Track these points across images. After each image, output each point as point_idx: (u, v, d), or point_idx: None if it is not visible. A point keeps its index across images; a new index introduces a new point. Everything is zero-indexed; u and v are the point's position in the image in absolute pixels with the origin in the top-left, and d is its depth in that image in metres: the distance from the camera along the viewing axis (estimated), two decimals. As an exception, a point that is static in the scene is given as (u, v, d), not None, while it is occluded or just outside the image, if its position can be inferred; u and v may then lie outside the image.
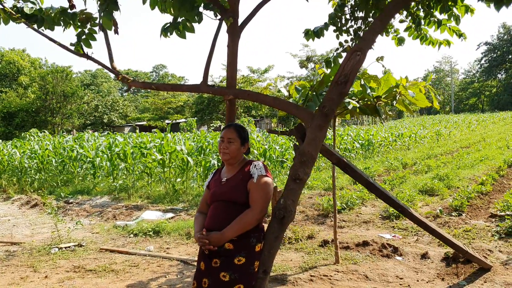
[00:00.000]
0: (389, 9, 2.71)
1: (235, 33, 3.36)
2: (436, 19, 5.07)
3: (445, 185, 9.90)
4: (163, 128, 49.33)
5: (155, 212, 8.70)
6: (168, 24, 3.52)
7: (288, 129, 3.14)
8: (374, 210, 8.14)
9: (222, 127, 3.30)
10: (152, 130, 17.97)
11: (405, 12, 4.95)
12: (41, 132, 26.16)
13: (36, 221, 8.87)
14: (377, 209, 8.23)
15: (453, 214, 7.45)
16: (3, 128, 37.25)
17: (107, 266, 5.74)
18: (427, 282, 4.81)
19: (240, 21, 3.53)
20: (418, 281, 4.86)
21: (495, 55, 77.76)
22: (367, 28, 4.76)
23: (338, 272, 5.18)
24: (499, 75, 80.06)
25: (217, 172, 3.31)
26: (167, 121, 53.46)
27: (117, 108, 55.94)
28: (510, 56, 76.60)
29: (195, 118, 41.84)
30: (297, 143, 3.12)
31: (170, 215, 8.49)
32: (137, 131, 25.54)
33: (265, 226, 3.20)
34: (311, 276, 5.09)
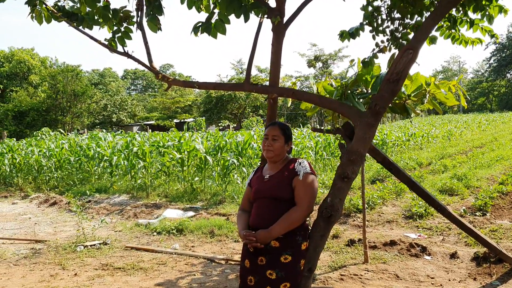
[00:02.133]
0: (441, 8, 2.71)
1: (280, 31, 3.36)
2: (468, 19, 5.05)
3: (464, 185, 9.84)
4: (171, 127, 49.45)
5: (176, 210, 8.71)
6: (200, 24, 3.52)
7: (335, 127, 3.14)
8: (395, 210, 8.12)
9: (265, 126, 3.29)
10: (171, 129, 18.02)
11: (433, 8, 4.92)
12: (52, 131, 26.32)
13: (57, 219, 8.92)
14: (398, 208, 8.21)
15: (477, 214, 7.41)
16: (14, 127, 37.44)
17: (135, 264, 5.77)
18: (459, 282, 4.79)
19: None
20: (449, 280, 4.84)
21: (504, 54, 77.15)
22: (404, 30, 4.74)
23: (368, 271, 5.17)
24: (508, 75, 79.46)
25: (258, 169, 3.32)
26: (175, 121, 53.62)
27: (126, 107, 56.12)
28: (519, 56, 76.05)
29: (204, 117, 41.98)
30: (343, 142, 3.12)
31: (191, 213, 8.50)
32: (150, 130, 25.60)
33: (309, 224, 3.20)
34: (341, 275, 5.09)
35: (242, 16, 3.07)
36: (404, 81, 2.79)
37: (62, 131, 26.08)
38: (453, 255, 5.51)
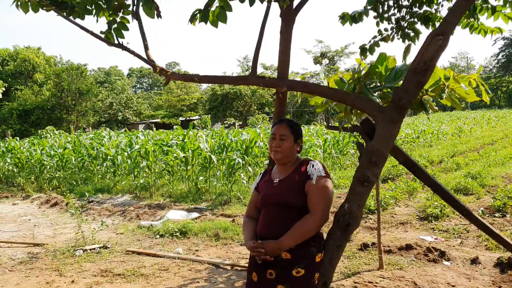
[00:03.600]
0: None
1: (290, 17, 3.02)
2: (490, 5, 4.68)
3: (479, 183, 9.46)
4: (176, 125, 49.23)
5: (180, 211, 8.40)
6: (198, 11, 3.18)
7: (352, 125, 2.80)
8: (408, 211, 7.76)
9: (272, 124, 2.96)
10: (174, 127, 17.72)
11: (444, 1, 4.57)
12: (57, 130, 26.13)
13: (58, 221, 8.64)
14: (411, 209, 7.85)
15: (496, 215, 7.05)
16: (19, 126, 37.33)
17: (136, 270, 5.46)
18: (482, 291, 4.45)
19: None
20: (472, 289, 4.50)
21: (512, 50, 76.28)
22: (411, 19, 4.39)
23: (383, 278, 4.83)
24: (517, 71, 78.55)
25: (266, 172, 2.99)
26: (180, 118, 53.39)
27: (131, 105, 55.92)
28: (528, 51, 75.13)
29: (209, 115, 41.73)
30: (361, 141, 2.78)
31: (195, 214, 8.19)
32: (155, 128, 25.34)
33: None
34: (355, 283, 4.76)
35: (246, 1, 2.74)
36: (432, 71, 2.44)
37: (70, 128, 25.81)
38: (474, 261, 5.15)
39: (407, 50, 4.39)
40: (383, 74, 4.15)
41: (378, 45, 4.27)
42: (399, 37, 4.17)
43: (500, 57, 79.28)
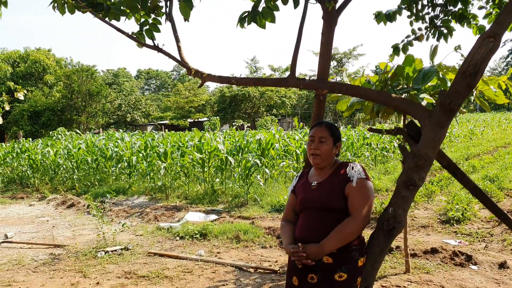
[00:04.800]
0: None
1: (332, 19, 3.00)
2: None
3: (497, 186, 9.38)
4: (185, 127, 49.24)
5: (198, 213, 8.39)
6: (246, 13, 3.17)
7: (395, 128, 2.76)
8: (428, 213, 7.70)
9: (311, 127, 2.93)
10: (192, 129, 17.73)
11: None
12: (68, 131, 26.24)
13: (75, 222, 8.65)
14: (431, 212, 7.79)
15: (519, 218, 6.96)
16: (30, 127, 37.54)
17: (160, 272, 5.45)
18: (513, 296, 4.39)
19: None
20: (502, 294, 4.45)
21: (521, 52, 75.82)
22: (445, 17, 4.35)
23: (411, 282, 4.79)
24: (526, 73, 77.93)
25: (303, 175, 2.96)
26: (189, 120, 53.42)
27: (140, 107, 56.07)
28: (537, 53, 74.57)
29: (217, 117, 41.71)
30: (404, 144, 2.75)
31: (213, 216, 8.17)
32: (166, 130, 25.38)
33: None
34: (382, 286, 4.73)
35: (291, 2, 2.72)
36: (482, 74, 2.41)
37: (78, 131, 25.94)
38: (502, 265, 5.09)
39: (434, 51, 4.34)
40: (410, 75, 4.12)
41: (411, 45, 4.22)
42: (432, 35, 4.12)
43: (509, 59, 78.78)
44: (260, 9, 2.90)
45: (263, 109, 50.46)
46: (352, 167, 2.67)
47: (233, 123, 45.54)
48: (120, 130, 27.82)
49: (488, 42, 2.36)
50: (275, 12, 3.05)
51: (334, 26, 3.10)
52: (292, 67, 3.01)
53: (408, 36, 4.42)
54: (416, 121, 2.72)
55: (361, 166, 2.68)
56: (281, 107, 50.88)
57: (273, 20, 2.94)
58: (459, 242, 6.08)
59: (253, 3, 3.10)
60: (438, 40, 4.16)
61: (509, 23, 2.34)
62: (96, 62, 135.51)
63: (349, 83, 4.49)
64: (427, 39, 4.42)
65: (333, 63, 59.25)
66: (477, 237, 6.27)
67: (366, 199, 2.57)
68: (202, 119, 51.56)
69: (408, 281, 4.83)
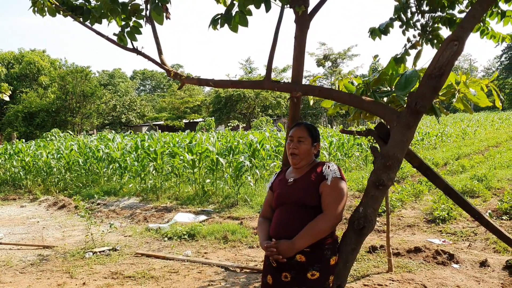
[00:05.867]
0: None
1: (304, 23, 3.06)
2: (499, 10, 4.70)
3: (485, 186, 9.46)
4: (180, 128, 49.25)
5: (187, 214, 8.44)
6: (219, 16, 3.23)
7: (366, 129, 2.83)
8: (415, 213, 7.78)
9: (289, 128, 2.99)
10: (186, 130, 17.78)
11: (465, 2, 4.58)
12: (62, 132, 26.22)
13: (66, 223, 8.69)
14: (418, 211, 7.87)
15: (503, 218, 7.06)
16: (24, 128, 37.47)
17: (146, 272, 5.49)
18: (492, 293, 4.46)
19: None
20: (482, 292, 4.52)
21: (515, 52, 76.16)
22: (435, 24, 4.40)
23: (393, 281, 4.85)
24: (520, 73, 78.40)
25: (281, 172, 3.01)
26: (184, 121, 53.42)
27: (135, 107, 56.02)
28: (531, 53, 74.94)
29: (213, 117, 41.72)
30: (375, 145, 2.81)
31: (203, 217, 8.22)
32: (159, 131, 25.40)
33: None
34: (365, 285, 4.78)
35: (262, 6, 2.78)
36: (447, 76, 2.48)
37: (71, 132, 25.91)
38: (483, 263, 5.17)
39: (417, 56, 4.40)
40: (393, 79, 4.18)
41: (408, 54, 4.25)
42: (425, 42, 4.16)
43: (503, 59, 79.17)
44: (233, 12, 2.95)
45: (259, 109, 50.54)
46: (329, 166, 2.72)
47: (229, 124, 45.59)
48: (113, 131, 27.79)
49: (452, 46, 2.42)
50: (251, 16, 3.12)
51: (306, 30, 3.16)
52: (268, 69, 3.07)
53: (404, 45, 4.45)
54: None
55: (337, 166, 2.73)
56: (276, 108, 50.98)
57: (245, 24, 2.99)
58: (443, 241, 6.16)
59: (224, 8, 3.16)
60: (432, 46, 4.21)
61: (473, 27, 2.41)
62: (91, 63, 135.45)
63: (336, 83, 4.56)
64: (422, 45, 4.45)
65: (328, 64, 59.47)
66: (461, 236, 6.35)
67: (339, 198, 2.62)
68: (198, 120, 51.57)
69: (390, 280, 4.89)
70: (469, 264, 5.23)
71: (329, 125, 44.88)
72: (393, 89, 4.15)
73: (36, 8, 3.41)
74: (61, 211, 9.97)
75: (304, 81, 3.63)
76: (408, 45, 3.79)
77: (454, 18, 4.43)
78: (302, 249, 2.59)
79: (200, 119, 50.65)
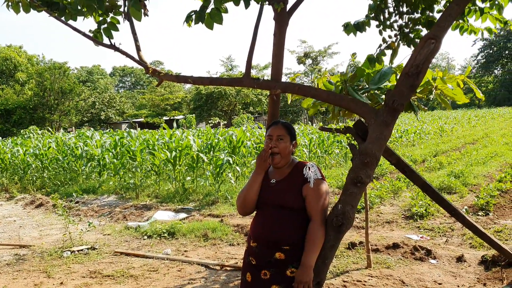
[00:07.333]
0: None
1: (283, 20, 3.06)
2: (477, 8, 4.77)
3: (462, 182, 9.64)
4: (160, 125, 48.88)
5: (167, 212, 8.39)
6: (193, 12, 3.20)
7: (344, 127, 2.84)
8: (394, 209, 7.88)
9: (267, 125, 2.98)
10: (161, 126, 17.62)
11: (443, 1, 4.64)
12: (40, 130, 25.79)
13: (43, 222, 8.55)
14: (396, 208, 7.97)
15: (479, 213, 7.20)
16: (1, 126, 36.78)
17: (125, 271, 5.45)
18: (468, 288, 4.55)
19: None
20: (458, 286, 4.60)
21: (491, 50, 77.60)
22: (414, 26, 4.44)
23: (372, 277, 4.91)
24: (495, 71, 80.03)
25: None
26: (164, 118, 53.04)
27: (114, 104, 55.37)
28: (506, 52, 76.36)
29: (193, 114, 41.52)
30: (354, 142, 2.83)
31: (183, 215, 8.18)
32: (138, 128, 25.16)
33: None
34: (344, 281, 4.83)
35: (242, 3, 2.76)
36: (425, 74, 2.51)
37: (50, 129, 25.49)
38: (460, 259, 5.26)
39: (394, 53, 4.44)
40: (370, 76, 4.21)
41: (384, 54, 4.25)
42: (403, 43, 4.18)
43: (479, 57, 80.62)
44: (209, 9, 2.93)
45: (240, 107, 50.48)
46: (309, 168, 2.72)
47: (210, 121, 45.41)
48: (92, 128, 27.45)
49: (429, 44, 2.45)
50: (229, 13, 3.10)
51: (285, 27, 3.16)
52: (247, 67, 3.06)
53: (379, 46, 4.46)
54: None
55: (317, 167, 2.74)
56: (257, 105, 50.96)
57: (219, 21, 2.97)
58: (421, 237, 6.24)
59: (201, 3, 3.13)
60: (409, 46, 4.23)
61: (449, 26, 2.44)
62: (69, 59, 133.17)
63: (315, 81, 4.57)
64: (398, 46, 4.48)
65: (308, 61, 59.63)
66: (438, 232, 6.45)
67: (324, 200, 2.65)
68: (178, 117, 51.23)
69: (369, 276, 4.94)
70: (446, 260, 5.32)
71: (309, 122, 45.03)
72: (369, 86, 4.18)
73: (10, 3, 3.33)
74: (38, 210, 9.80)
75: (284, 79, 3.65)
76: (384, 45, 3.81)
77: (434, 20, 4.48)
78: (315, 264, 2.60)
79: (181, 116, 50.34)
